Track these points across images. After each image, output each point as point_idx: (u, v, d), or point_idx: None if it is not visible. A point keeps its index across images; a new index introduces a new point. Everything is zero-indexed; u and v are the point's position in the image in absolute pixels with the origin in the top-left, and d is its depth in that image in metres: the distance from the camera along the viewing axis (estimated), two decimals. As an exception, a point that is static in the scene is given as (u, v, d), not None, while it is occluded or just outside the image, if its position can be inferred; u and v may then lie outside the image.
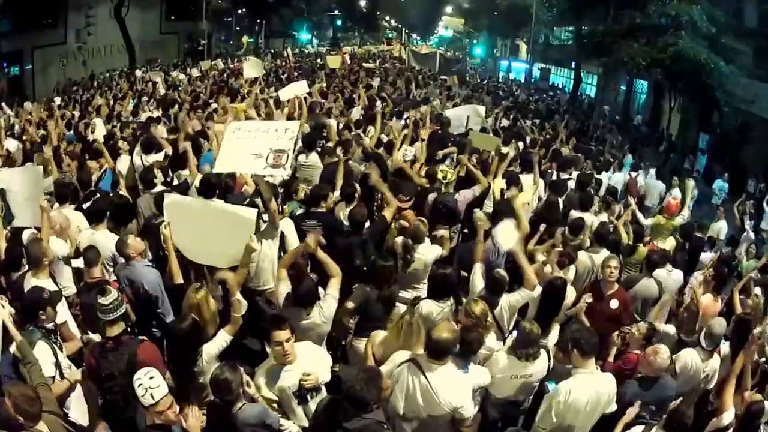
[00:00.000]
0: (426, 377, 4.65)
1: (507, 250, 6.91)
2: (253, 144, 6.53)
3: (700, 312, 6.95)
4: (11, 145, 11.20)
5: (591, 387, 4.94)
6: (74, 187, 8.43)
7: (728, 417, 5.27)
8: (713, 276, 7.99)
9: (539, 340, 5.49)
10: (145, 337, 5.63)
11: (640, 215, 10.47)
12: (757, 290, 8.25)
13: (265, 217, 6.79)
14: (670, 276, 7.99)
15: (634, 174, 16.14)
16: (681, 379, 6.08)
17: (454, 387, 4.70)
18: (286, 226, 7.24)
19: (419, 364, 4.72)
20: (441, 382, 4.65)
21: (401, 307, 6.27)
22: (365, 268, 6.90)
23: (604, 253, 7.73)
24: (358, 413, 4.13)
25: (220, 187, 7.82)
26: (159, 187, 8.24)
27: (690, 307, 6.99)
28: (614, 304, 6.92)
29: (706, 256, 9.99)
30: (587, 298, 6.99)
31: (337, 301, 5.83)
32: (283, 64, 34.97)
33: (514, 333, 5.95)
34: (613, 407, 5.13)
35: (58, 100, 19.95)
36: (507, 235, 6.87)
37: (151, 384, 4.14)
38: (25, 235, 6.62)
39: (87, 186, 8.80)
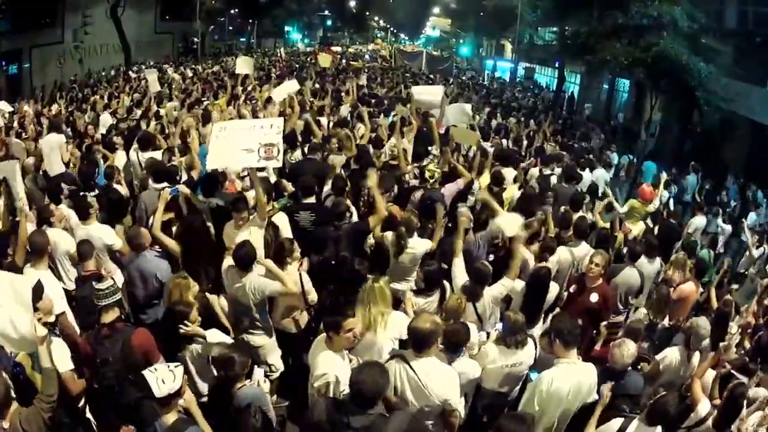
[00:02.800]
0: (413, 370, 4.66)
1: (509, 235, 6.93)
2: (241, 140, 6.72)
3: (671, 297, 7.28)
4: (12, 141, 11.27)
5: (573, 376, 5.01)
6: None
7: (704, 408, 5.37)
8: (695, 265, 8.21)
9: (525, 327, 5.57)
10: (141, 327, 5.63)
11: (616, 204, 10.70)
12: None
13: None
14: (650, 264, 8.22)
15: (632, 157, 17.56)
16: (665, 377, 6.18)
17: (441, 378, 4.71)
18: (280, 219, 7.46)
19: (405, 358, 4.74)
20: (427, 373, 4.67)
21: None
22: (333, 262, 6.97)
23: (584, 246, 7.91)
24: (362, 411, 4.09)
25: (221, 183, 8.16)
26: (164, 183, 8.30)
27: (661, 291, 7.25)
28: (594, 297, 6.98)
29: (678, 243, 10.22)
30: (572, 290, 7.23)
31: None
32: (276, 62, 35.38)
33: (498, 325, 6.06)
34: (595, 396, 5.19)
35: (61, 104, 20.19)
36: (511, 223, 6.89)
37: (168, 366, 4.23)
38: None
39: (89, 179, 9.02)
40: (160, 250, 6.74)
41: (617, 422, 4.99)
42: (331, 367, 4.75)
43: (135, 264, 6.52)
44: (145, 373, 4.13)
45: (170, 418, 4.21)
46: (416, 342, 4.71)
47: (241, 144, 6.73)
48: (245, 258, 5.89)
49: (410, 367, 4.69)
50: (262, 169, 8.25)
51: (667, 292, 7.30)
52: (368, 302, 5.46)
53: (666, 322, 7.20)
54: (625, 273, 7.81)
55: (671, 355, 6.25)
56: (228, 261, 6.12)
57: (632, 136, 26.35)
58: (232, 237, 7.02)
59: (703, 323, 6.30)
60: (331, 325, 4.86)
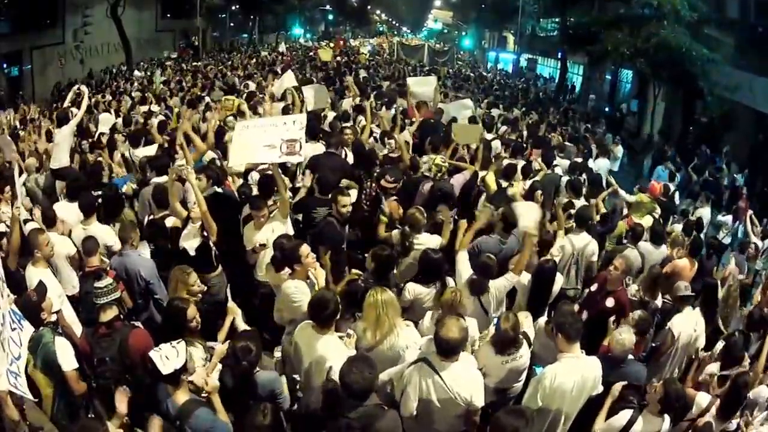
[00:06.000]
0: (440, 376, 4.64)
1: (522, 228, 6.79)
2: (264, 137, 6.81)
3: (663, 276, 7.35)
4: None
5: (576, 371, 4.96)
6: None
7: (704, 399, 5.43)
8: (690, 243, 8.41)
9: (518, 336, 5.43)
10: (138, 324, 5.72)
11: (623, 193, 10.89)
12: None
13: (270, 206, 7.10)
14: (656, 250, 8.39)
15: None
16: (680, 349, 6.41)
17: (467, 381, 4.72)
18: None
19: (431, 364, 4.70)
20: (455, 379, 4.66)
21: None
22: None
23: (585, 236, 7.87)
24: (360, 403, 4.19)
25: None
26: (155, 179, 8.34)
27: (652, 271, 7.36)
28: (610, 302, 6.80)
29: (678, 226, 10.38)
30: (593, 289, 7.17)
31: None
32: (279, 58, 35.36)
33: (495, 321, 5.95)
34: (599, 389, 5.14)
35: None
36: (529, 215, 6.78)
37: (170, 343, 4.28)
38: (27, 227, 6.63)
39: (98, 178, 9.00)
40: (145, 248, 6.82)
41: (626, 414, 4.96)
42: (339, 354, 4.83)
43: (120, 264, 6.50)
44: (150, 353, 4.20)
45: (181, 397, 4.26)
46: (445, 350, 4.67)
47: (263, 140, 6.84)
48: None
49: (437, 374, 4.68)
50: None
51: (658, 272, 7.35)
52: (382, 312, 5.27)
53: (659, 301, 7.27)
54: (625, 254, 7.73)
55: (677, 325, 6.40)
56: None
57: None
58: (252, 238, 7.03)
59: (683, 285, 6.62)
60: (330, 315, 4.98)
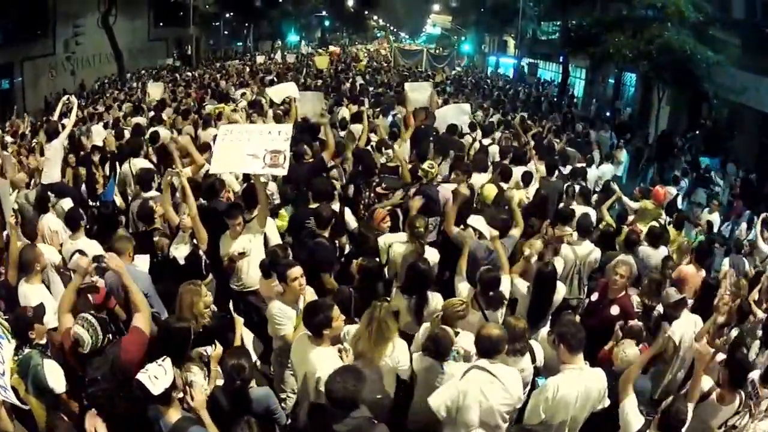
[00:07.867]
0: (494, 375, 4.71)
1: (487, 237, 6.87)
2: (247, 145, 6.67)
3: (666, 280, 7.30)
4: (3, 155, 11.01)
5: (580, 383, 4.89)
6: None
7: (706, 383, 5.34)
8: (696, 249, 8.23)
9: (525, 334, 5.41)
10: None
11: (627, 200, 10.72)
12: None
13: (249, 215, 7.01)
14: (656, 252, 8.23)
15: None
16: (683, 353, 6.31)
17: (516, 379, 4.85)
18: (269, 227, 7.32)
19: (482, 367, 4.77)
20: (505, 376, 4.75)
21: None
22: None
23: (587, 244, 7.80)
24: (346, 414, 4.14)
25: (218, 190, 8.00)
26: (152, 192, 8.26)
27: (652, 276, 7.21)
28: (615, 310, 6.71)
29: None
30: (593, 298, 7.10)
31: None
32: (278, 66, 35.23)
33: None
34: (606, 402, 5.05)
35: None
36: (480, 224, 6.97)
37: (156, 362, 4.20)
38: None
39: (95, 193, 9.09)
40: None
41: (638, 421, 4.77)
42: (332, 366, 4.68)
43: (116, 278, 6.11)
44: (138, 376, 4.13)
45: (173, 416, 4.21)
46: (487, 349, 4.79)
47: (246, 149, 6.69)
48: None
49: (491, 373, 4.73)
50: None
51: (659, 276, 7.23)
52: (380, 325, 5.11)
53: (660, 307, 7.09)
54: (625, 260, 7.57)
55: (679, 330, 6.35)
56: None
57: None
58: (228, 248, 6.91)
59: (672, 291, 6.63)
60: (321, 323, 4.90)
